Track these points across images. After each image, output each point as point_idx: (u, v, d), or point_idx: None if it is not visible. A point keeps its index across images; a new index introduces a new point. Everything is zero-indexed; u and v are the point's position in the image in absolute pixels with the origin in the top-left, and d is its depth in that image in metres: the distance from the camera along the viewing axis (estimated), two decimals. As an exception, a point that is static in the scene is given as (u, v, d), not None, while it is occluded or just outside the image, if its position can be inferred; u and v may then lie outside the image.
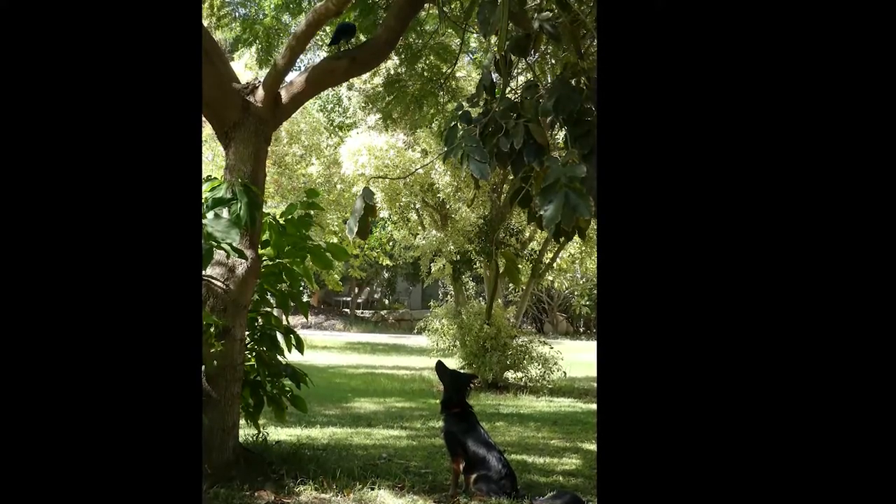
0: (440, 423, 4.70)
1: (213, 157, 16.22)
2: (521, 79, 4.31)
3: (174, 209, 1.97)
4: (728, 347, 1.68)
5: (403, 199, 12.60)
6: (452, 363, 12.09)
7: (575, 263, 14.43)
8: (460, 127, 3.70)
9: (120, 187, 1.93)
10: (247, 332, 4.36)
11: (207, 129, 13.80)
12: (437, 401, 9.25)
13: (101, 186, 1.91)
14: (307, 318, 8.95)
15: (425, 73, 6.49)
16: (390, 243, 19.47)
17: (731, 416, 1.66)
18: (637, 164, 1.78)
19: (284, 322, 4.76)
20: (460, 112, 3.85)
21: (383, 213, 13.05)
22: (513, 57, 3.86)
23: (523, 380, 11.00)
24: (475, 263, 12.53)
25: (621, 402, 1.75)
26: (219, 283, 4.04)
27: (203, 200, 3.90)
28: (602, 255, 1.83)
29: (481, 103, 3.92)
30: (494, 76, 3.95)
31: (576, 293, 20.27)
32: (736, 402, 1.66)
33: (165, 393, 1.91)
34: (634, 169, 1.78)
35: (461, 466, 4.16)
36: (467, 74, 10.53)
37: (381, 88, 7.73)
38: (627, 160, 1.80)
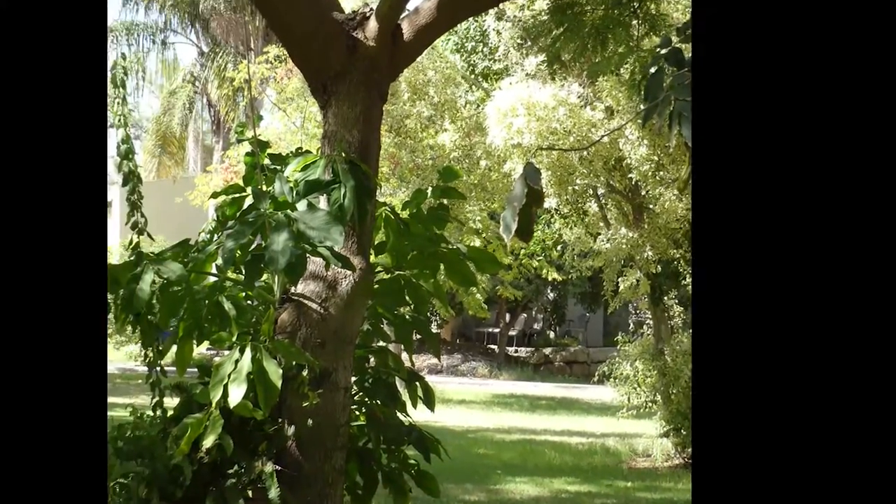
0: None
1: (303, 122, 16.57)
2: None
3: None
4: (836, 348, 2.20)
5: (578, 182, 12.56)
6: (651, 427, 11.93)
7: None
8: (667, 73, 3.65)
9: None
10: (354, 379, 4.45)
11: (298, 81, 14.21)
12: (628, 483, 9.14)
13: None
14: (439, 359, 9.07)
15: (612, -7, 6.44)
16: (558, 248, 19.41)
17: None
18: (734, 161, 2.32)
19: (407, 364, 4.81)
20: (666, 50, 3.79)
21: (549, 203, 13.03)
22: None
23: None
24: (684, 278, 12.32)
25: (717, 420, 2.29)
26: (314, 306, 4.12)
27: (292, 183, 3.99)
28: (696, 258, 2.45)
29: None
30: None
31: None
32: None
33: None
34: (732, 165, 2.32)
35: None
36: (675, -7, 10.41)
37: (545, 17, 7.74)
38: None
